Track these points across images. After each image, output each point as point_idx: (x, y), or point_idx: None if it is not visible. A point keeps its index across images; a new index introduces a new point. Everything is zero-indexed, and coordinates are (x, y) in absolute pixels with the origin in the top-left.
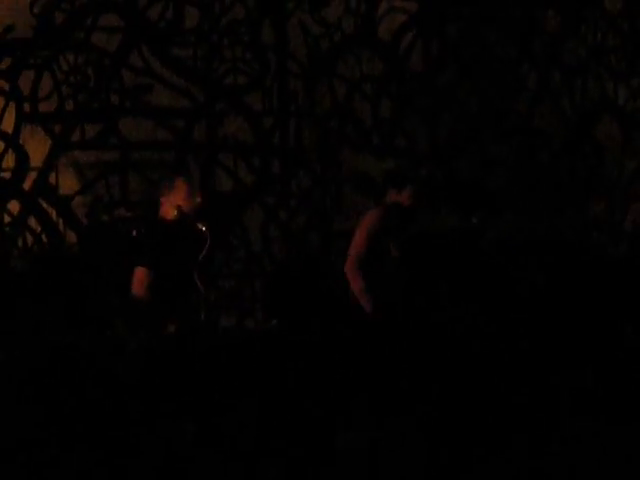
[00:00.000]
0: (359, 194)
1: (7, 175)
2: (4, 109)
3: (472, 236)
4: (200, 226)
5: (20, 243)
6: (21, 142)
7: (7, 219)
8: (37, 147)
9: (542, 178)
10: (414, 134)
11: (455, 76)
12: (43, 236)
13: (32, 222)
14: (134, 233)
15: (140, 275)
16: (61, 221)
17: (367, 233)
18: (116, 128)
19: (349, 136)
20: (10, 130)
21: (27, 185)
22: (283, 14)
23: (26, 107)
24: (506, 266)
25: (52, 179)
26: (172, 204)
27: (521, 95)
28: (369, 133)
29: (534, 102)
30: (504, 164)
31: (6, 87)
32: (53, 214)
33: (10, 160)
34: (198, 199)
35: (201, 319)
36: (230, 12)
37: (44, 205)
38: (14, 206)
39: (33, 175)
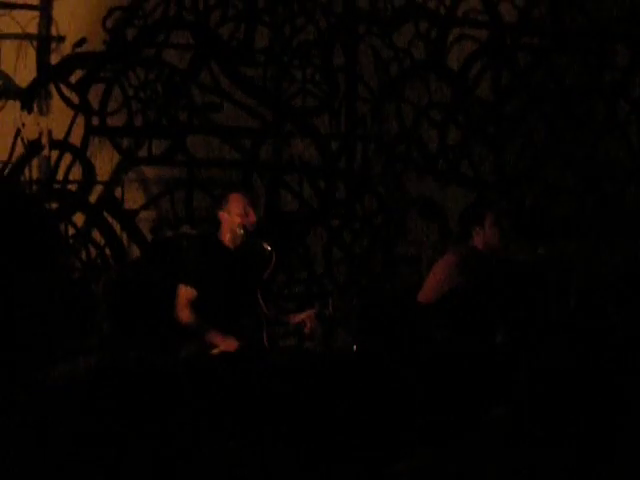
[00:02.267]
0: (423, 219)
1: (73, 187)
2: (73, 121)
3: (541, 268)
4: (265, 246)
5: (83, 256)
6: (88, 155)
7: (71, 231)
8: (104, 161)
9: (608, 208)
10: (480, 161)
11: (523, 104)
12: (106, 249)
13: (96, 235)
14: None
15: (182, 292)
16: (125, 235)
17: (438, 282)
18: (183, 145)
19: (415, 161)
20: (78, 143)
21: (93, 198)
22: (354, 37)
23: (95, 120)
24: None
25: (118, 193)
26: (227, 220)
27: (589, 125)
28: (435, 159)
29: (601, 132)
30: (570, 193)
31: (76, 100)
32: (117, 228)
33: (77, 173)
34: (251, 214)
35: (262, 339)
36: (301, 33)
37: (109, 219)
38: (79, 219)
39: (99, 188)
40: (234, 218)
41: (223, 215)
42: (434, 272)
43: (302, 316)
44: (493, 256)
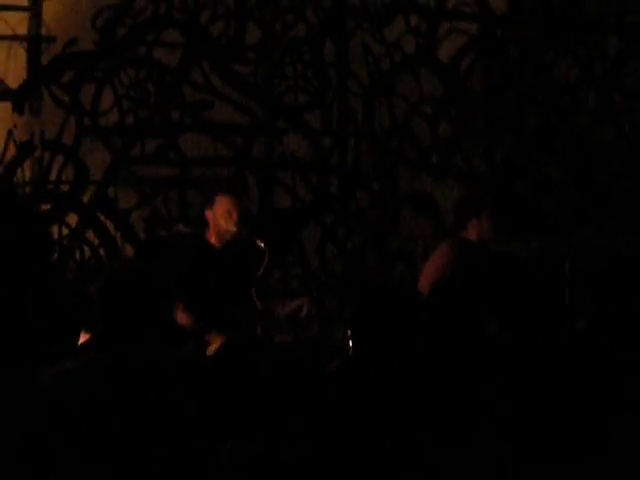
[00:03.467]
0: (417, 214)
1: (66, 188)
2: (65, 122)
3: (535, 262)
4: (259, 243)
5: (77, 256)
6: (81, 155)
7: (65, 232)
8: (97, 161)
9: (601, 199)
10: (472, 155)
11: (515, 97)
12: (100, 249)
13: (90, 235)
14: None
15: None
16: (119, 235)
17: (435, 273)
18: (176, 144)
19: (407, 156)
20: (70, 143)
21: (86, 198)
22: (344, 33)
23: (87, 120)
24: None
25: (111, 193)
26: (212, 220)
27: (581, 116)
28: (428, 153)
29: (594, 123)
30: (563, 185)
31: (67, 100)
32: (111, 228)
33: (70, 173)
34: (234, 216)
35: (258, 334)
36: (292, 30)
37: (102, 219)
38: (72, 219)
39: (92, 188)
40: (218, 220)
41: (209, 215)
42: (428, 265)
43: (297, 302)
44: (487, 248)
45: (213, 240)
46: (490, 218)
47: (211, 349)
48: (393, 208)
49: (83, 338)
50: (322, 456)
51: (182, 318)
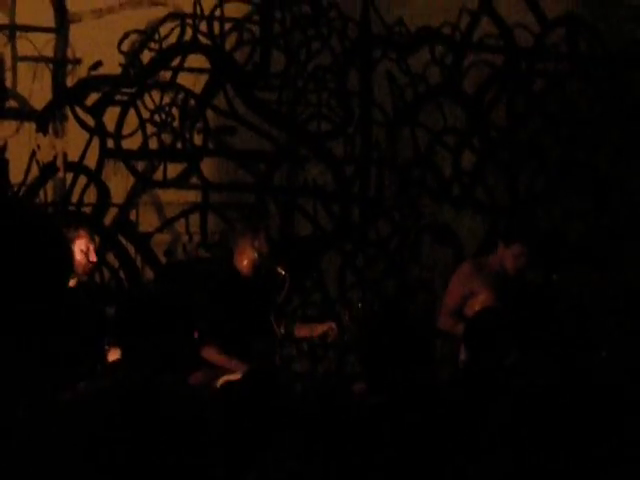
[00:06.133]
0: (437, 244)
1: (88, 210)
2: (88, 144)
3: (554, 295)
4: (279, 270)
5: (97, 278)
6: (103, 178)
7: None
8: (119, 183)
9: (622, 231)
10: (495, 186)
11: (538, 130)
12: (121, 272)
13: (110, 258)
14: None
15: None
16: (139, 258)
17: (457, 287)
18: (198, 168)
19: (429, 186)
20: (93, 165)
21: (107, 220)
22: (369, 62)
23: (110, 143)
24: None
25: (132, 216)
26: (246, 251)
27: (603, 149)
28: (449, 184)
29: (616, 156)
30: (585, 219)
31: (91, 123)
32: (131, 251)
33: (92, 195)
34: (264, 249)
35: (275, 361)
36: (316, 58)
37: (123, 241)
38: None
39: (114, 211)
40: (252, 252)
41: (251, 244)
42: (449, 285)
43: (324, 327)
44: (505, 276)
45: (243, 266)
46: (519, 256)
47: (221, 381)
48: (413, 238)
49: (114, 355)
50: None
51: (208, 350)
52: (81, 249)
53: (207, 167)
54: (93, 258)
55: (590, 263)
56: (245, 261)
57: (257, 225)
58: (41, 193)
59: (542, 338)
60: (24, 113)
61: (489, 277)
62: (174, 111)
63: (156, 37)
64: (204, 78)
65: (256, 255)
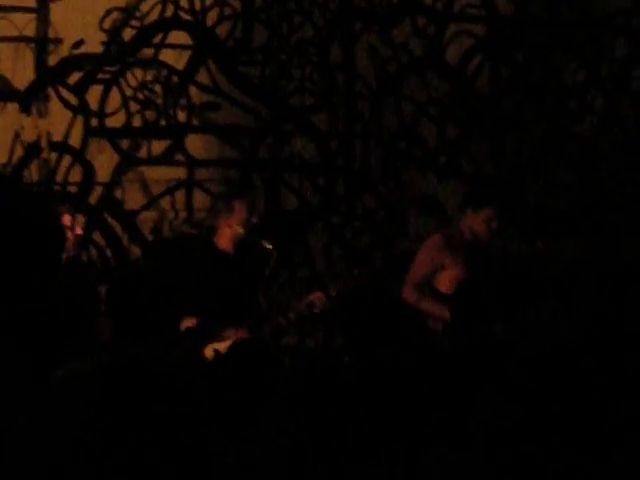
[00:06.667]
0: (423, 215)
1: (73, 189)
2: (72, 123)
3: (538, 262)
4: (265, 244)
5: (84, 257)
6: (88, 157)
7: None
8: (104, 162)
9: (607, 203)
10: (479, 157)
11: (521, 100)
12: (107, 250)
13: (97, 237)
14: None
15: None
16: (126, 236)
17: (425, 260)
18: (182, 145)
19: (414, 158)
20: (77, 144)
21: (93, 199)
22: (351, 35)
23: (94, 122)
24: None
25: (118, 194)
26: (229, 227)
27: (587, 119)
28: (434, 155)
29: (600, 126)
30: (569, 188)
31: (74, 102)
32: (118, 229)
33: (77, 174)
34: (254, 220)
35: (264, 336)
36: (299, 32)
37: (109, 220)
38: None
39: (99, 190)
40: (235, 227)
41: (226, 222)
42: (417, 256)
43: (311, 298)
44: (477, 244)
45: (223, 243)
46: (487, 221)
47: (221, 346)
48: (400, 209)
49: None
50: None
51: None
52: (66, 225)
53: (192, 143)
54: (78, 231)
55: (576, 233)
56: (224, 237)
57: (234, 201)
58: (26, 173)
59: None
60: (6, 94)
61: (459, 249)
62: (157, 88)
63: (137, 14)
64: (186, 54)
65: (235, 231)
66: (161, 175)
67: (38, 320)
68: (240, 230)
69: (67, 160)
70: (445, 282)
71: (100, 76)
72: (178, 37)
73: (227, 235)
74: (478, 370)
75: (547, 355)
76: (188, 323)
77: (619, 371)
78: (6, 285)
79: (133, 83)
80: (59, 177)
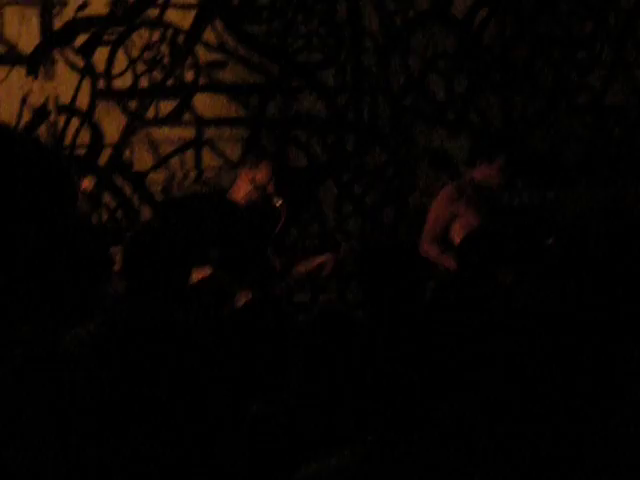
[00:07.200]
0: (433, 170)
1: (82, 151)
2: (79, 86)
3: (549, 212)
4: (276, 201)
5: (94, 219)
6: (96, 119)
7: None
8: (112, 123)
9: (617, 152)
10: (488, 110)
11: (529, 51)
12: (118, 212)
13: (107, 198)
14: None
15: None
16: (135, 197)
17: (440, 212)
18: (190, 104)
19: (423, 112)
20: (85, 107)
21: (102, 161)
22: None
23: (101, 84)
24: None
25: (127, 155)
26: (248, 182)
27: (595, 70)
28: (443, 109)
29: (609, 77)
30: (579, 139)
31: (81, 64)
32: (128, 190)
33: (85, 136)
34: (271, 186)
35: (277, 293)
36: None
37: (119, 181)
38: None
39: (108, 151)
40: (256, 186)
41: (247, 176)
42: (431, 210)
43: (320, 259)
44: (490, 190)
45: (237, 196)
46: (501, 171)
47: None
48: (410, 164)
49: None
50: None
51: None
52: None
53: (199, 103)
54: (85, 184)
55: (588, 184)
56: (241, 190)
57: (263, 160)
58: (34, 136)
59: (538, 258)
60: (13, 57)
61: (472, 198)
62: (163, 48)
63: None
64: (192, 13)
65: (253, 188)
66: (169, 135)
67: (45, 277)
68: (252, 188)
69: (75, 123)
70: (460, 233)
71: (106, 37)
72: None
73: (243, 189)
74: (485, 319)
75: (554, 305)
76: (200, 274)
77: (627, 324)
78: (13, 235)
79: (139, 44)
80: (67, 140)
